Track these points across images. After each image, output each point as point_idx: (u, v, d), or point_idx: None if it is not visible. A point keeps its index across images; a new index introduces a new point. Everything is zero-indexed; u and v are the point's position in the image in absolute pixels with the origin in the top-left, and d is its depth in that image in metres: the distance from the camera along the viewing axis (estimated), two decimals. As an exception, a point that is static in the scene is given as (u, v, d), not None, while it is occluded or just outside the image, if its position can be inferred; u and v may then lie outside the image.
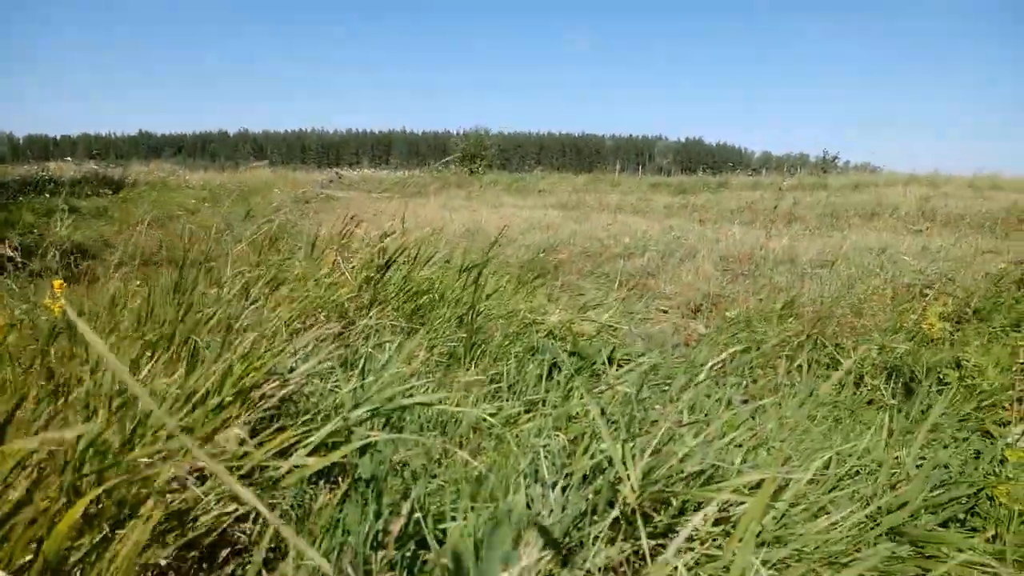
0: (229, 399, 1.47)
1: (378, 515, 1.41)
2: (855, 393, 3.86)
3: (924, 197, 17.81)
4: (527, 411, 2.38)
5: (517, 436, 2.13)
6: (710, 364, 2.19)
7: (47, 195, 13.89)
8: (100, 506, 1.23)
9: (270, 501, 1.45)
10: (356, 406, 1.51)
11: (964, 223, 13.17)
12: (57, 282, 2.59)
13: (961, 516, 2.22)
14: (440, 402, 1.72)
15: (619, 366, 2.94)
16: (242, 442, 1.32)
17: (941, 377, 3.89)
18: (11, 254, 3.49)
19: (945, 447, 3.00)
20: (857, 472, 2.42)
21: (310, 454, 1.45)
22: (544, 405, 2.39)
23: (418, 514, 1.48)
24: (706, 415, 2.07)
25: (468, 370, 2.59)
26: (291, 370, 1.67)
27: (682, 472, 1.73)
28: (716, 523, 1.72)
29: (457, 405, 2.20)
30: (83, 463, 1.20)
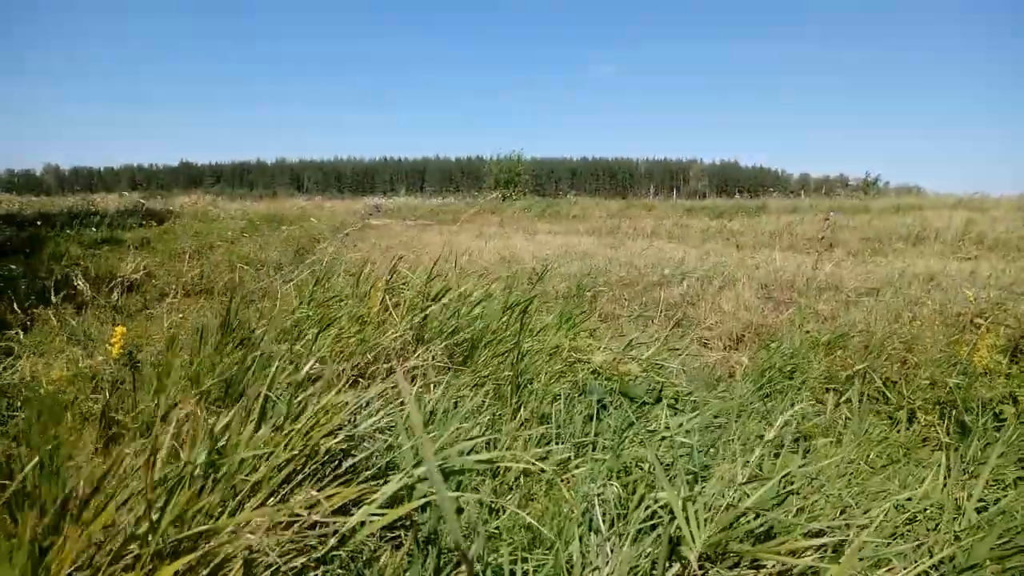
0: (295, 452, 1.49)
1: (438, 570, 1.42)
2: (908, 430, 3.77)
3: (970, 221, 17.43)
4: (576, 454, 2.37)
5: (568, 481, 2.12)
6: (769, 435, 2.15)
7: (92, 227, 14.26)
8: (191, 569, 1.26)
9: (333, 553, 1.47)
10: (417, 463, 1.52)
11: (1013, 247, 12.86)
12: (120, 329, 2.66)
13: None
14: (494, 459, 1.72)
15: (668, 405, 2.91)
16: (316, 503, 1.34)
17: (997, 413, 3.78)
18: (80, 286, 3.59)
19: (1005, 488, 2.92)
20: (916, 517, 2.36)
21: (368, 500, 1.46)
22: (594, 449, 2.37)
23: (478, 567, 1.48)
24: (760, 464, 2.04)
25: (516, 412, 2.59)
26: (354, 424, 1.69)
27: (740, 523, 1.70)
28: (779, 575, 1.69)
29: (508, 448, 2.20)
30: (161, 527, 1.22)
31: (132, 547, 1.16)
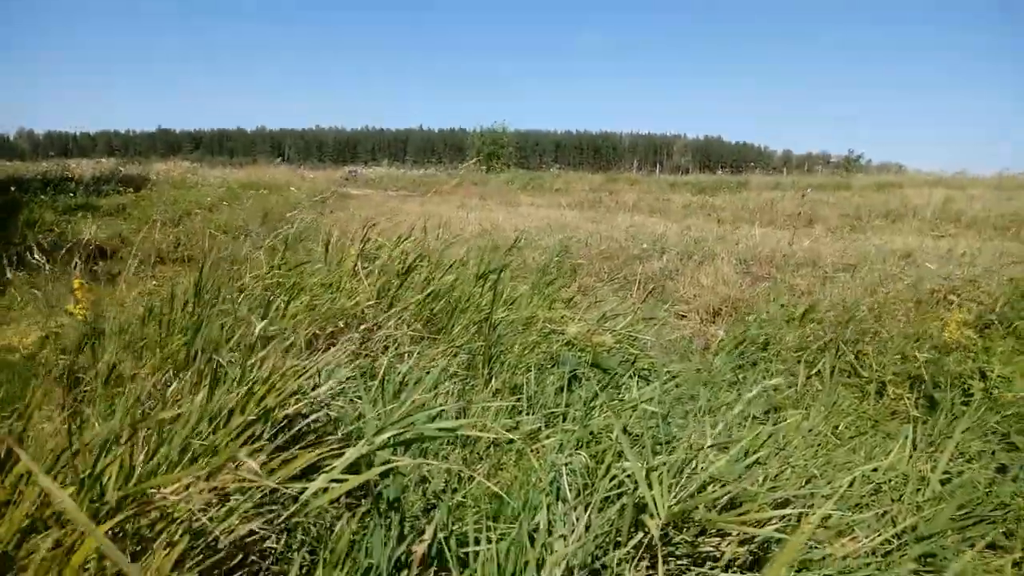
0: (252, 418, 1.46)
1: (401, 538, 1.41)
2: (878, 403, 3.81)
3: (948, 199, 17.57)
4: (547, 424, 2.37)
5: (537, 452, 2.12)
6: (737, 406, 2.16)
7: (67, 193, 14.02)
8: (122, 531, 1.23)
9: (294, 520, 1.45)
10: (380, 430, 1.50)
11: (989, 226, 12.99)
12: (77, 282, 2.62)
13: (988, 536, 2.18)
14: (459, 428, 1.70)
15: (640, 377, 2.91)
16: (264, 464, 1.31)
17: (966, 388, 3.83)
18: (37, 260, 3.53)
19: (970, 461, 2.96)
20: (881, 487, 2.38)
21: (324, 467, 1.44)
22: (564, 420, 2.37)
23: (441, 535, 1.47)
24: (729, 434, 2.04)
25: (488, 382, 2.58)
26: (314, 388, 1.66)
27: (705, 492, 1.70)
28: (741, 543, 1.70)
29: (478, 418, 2.19)
30: (104, 490, 1.19)
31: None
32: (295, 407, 1.56)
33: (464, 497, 1.83)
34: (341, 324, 2.88)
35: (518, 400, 2.44)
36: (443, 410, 1.82)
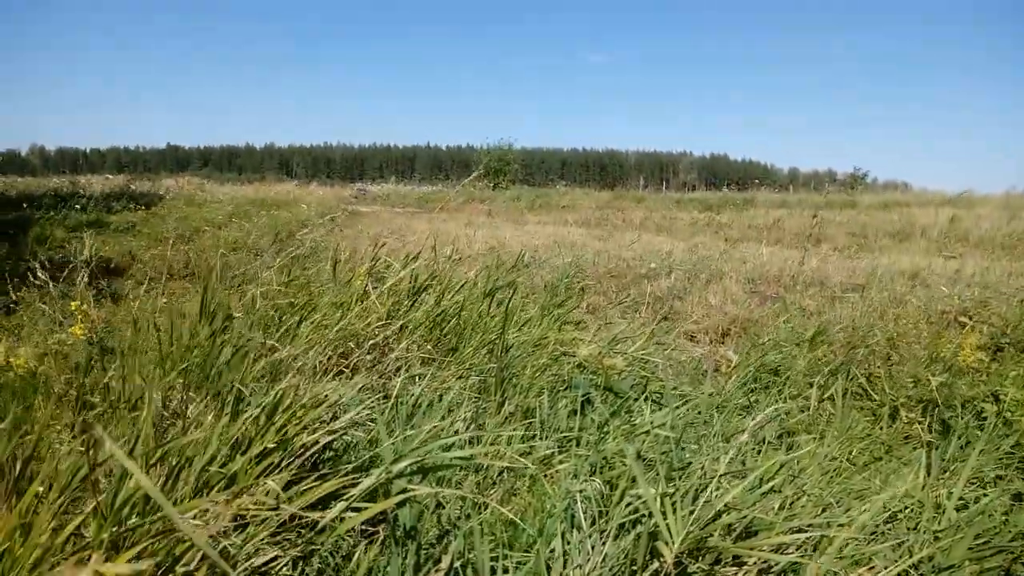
0: (271, 446, 1.46)
1: (417, 567, 1.40)
2: (891, 427, 3.79)
3: (955, 218, 17.53)
4: (560, 449, 2.36)
5: (551, 477, 2.11)
6: (746, 433, 2.15)
7: (78, 209, 14.13)
8: (141, 558, 1.23)
9: (310, 549, 1.45)
10: (398, 459, 1.50)
11: (997, 245, 12.95)
12: (74, 304, 2.65)
13: (1006, 566, 2.16)
14: (475, 456, 1.70)
15: (652, 400, 2.90)
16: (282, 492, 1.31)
17: (979, 411, 3.80)
18: (41, 279, 3.55)
19: (985, 487, 2.93)
20: (897, 515, 2.36)
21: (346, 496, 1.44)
22: (578, 445, 2.36)
23: (457, 563, 1.46)
24: (743, 460, 2.03)
25: (501, 406, 2.58)
26: (334, 417, 1.67)
27: (720, 520, 1.69)
28: (759, 573, 1.69)
29: (491, 444, 2.18)
30: (122, 519, 1.20)
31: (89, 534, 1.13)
32: (314, 436, 1.56)
33: (479, 524, 1.82)
34: (352, 345, 2.88)
35: (531, 424, 2.44)
36: (458, 438, 1.81)
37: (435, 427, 1.66)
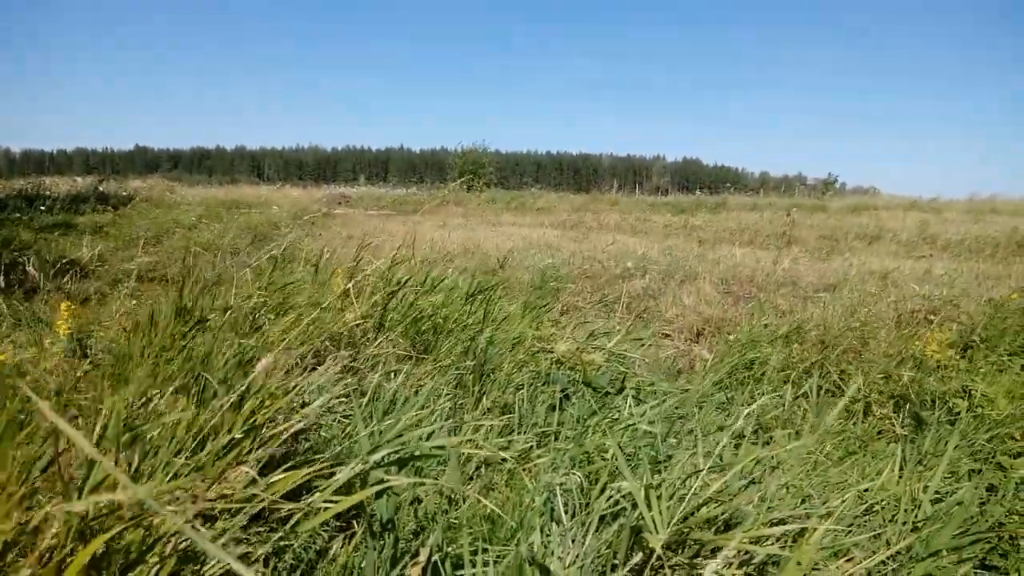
0: (240, 435, 1.42)
1: (395, 561, 1.37)
2: (864, 422, 3.82)
3: (923, 222, 17.87)
4: (539, 443, 2.34)
5: (530, 471, 2.08)
6: (733, 425, 2.14)
7: (44, 211, 13.84)
8: (109, 549, 1.18)
9: (282, 543, 1.41)
10: (374, 449, 1.46)
11: (964, 248, 13.20)
12: (65, 305, 2.58)
13: (982, 556, 2.18)
14: (453, 445, 1.67)
15: (630, 396, 2.89)
16: (252, 481, 1.27)
17: (951, 406, 3.85)
18: (31, 271, 3.45)
19: (959, 480, 2.96)
20: (874, 508, 2.38)
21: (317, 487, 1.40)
22: (557, 439, 2.34)
23: (436, 557, 1.43)
24: (720, 456, 2.03)
25: (479, 401, 2.55)
26: (303, 405, 1.63)
27: (701, 512, 1.68)
28: (740, 564, 1.67)
29: (469, 437, 2.15)
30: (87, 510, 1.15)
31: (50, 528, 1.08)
32: (285, 425, 1.51)
33: (457, 519, 1.79)
34: (328, 344, 2.84)
35: (509, 420, 2.41)
36: (437, 428, 1.78)
37: (414, 416, 1.63)
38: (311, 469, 1.45)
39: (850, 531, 2.05)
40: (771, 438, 3.10)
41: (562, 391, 2.73)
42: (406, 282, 3.32)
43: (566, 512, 1.74)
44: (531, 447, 2.21)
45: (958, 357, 4.65)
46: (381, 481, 1.39)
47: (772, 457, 2.45)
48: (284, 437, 1.55)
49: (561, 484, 1.83)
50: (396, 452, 1.50)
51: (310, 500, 1.33)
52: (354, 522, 1.53)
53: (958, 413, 3.75)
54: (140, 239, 9.59)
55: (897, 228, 16.83)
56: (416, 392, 2.47)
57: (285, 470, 1.49)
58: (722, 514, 1.67)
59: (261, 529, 1.46)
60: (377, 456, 1.44)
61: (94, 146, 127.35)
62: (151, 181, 31.59)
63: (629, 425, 2.25)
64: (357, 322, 2.93)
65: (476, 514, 1.79)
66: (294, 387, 1.74)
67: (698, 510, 1.60)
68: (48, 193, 18.00)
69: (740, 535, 1.56)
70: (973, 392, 3.90)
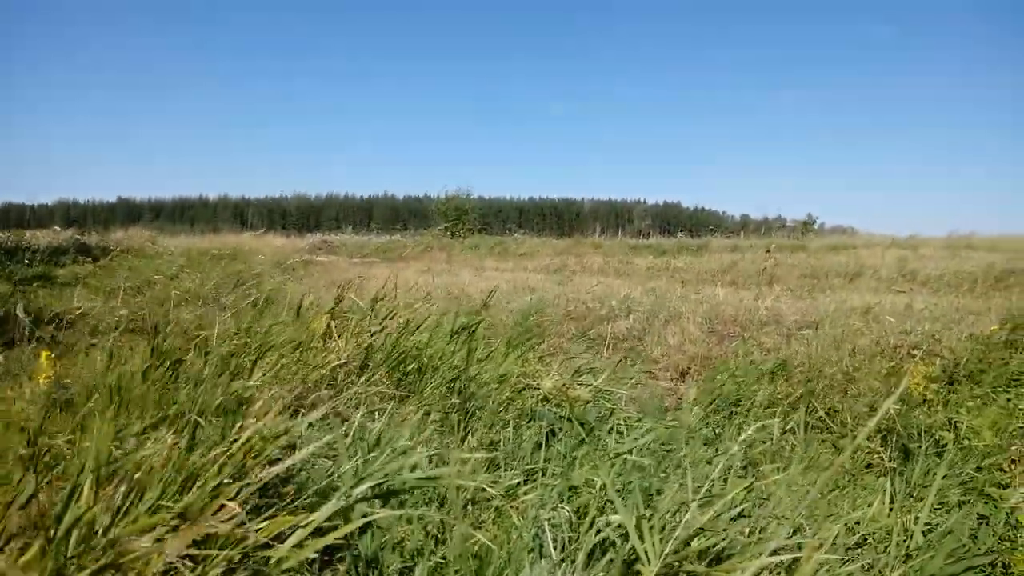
0: (227, 480, 1.39)
1: (380, 600, 1.33)
2: (853, 456, 3.81)
3: (902, 258, 18.12)
4: (526, 480, 2.31)
5: (517, 508, 2.05)
6: (723, 458, 2.13)
7: (24, 264, 13.71)
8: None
9: (265, 584, 1.36)
10: (358, 482, 1.43)
11: (943, 284, 13.37)
12: (45, 354, 2.54)
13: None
14: (438, 477, 1.64)
15: (617, 432, 2.87)
16: (240, 524, 1.24)
17: (937, 439, 3.85)
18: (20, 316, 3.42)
19: (948, 511, 2.95)
20: (866, 539, 2.36)
21: (313, 533, 1.37)
22: (544, 475, 2.31)
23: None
24: (709, 489, 2.01)
25: (464, 439, 2.52)
26: (292, 447, 1.60)
27: (693, 545, 1.66)
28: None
29: (455, 475, 2.12)
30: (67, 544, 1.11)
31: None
32: (274, 469, 1.48)
33: (443, 558, 1.75)
34: (311, 384, 2.81)
35: (496, 456, 2.38)
36: (422, 459, 1.75)
37: (400, 447, 1.60)
38: (298, 513, 1.42)
39: (844, 562, 2.03)
40: (760, 471, 3.08)
41: (549, 427, 2.71)
42: (388, 321, 3.30)
43: (555, 547, 1.71)
44: (518, 484, 2.18)
45: (944, 391, 4.68)
46: (365, 515, 1.37)
47: (763, 489, 2.44)
48: (269, 479, 1.52)
49: (549, 519, 1.80)
50: (380, 484, 1.47)
51: (292, 537, 1.30)
52: (340, 562, 1.50)
53: (945, 445, 3.75)
54: (120, 289, 9.50)
55: (877, 265, 17.05)
56: (399, 431, 2.44)
57: (270, 514, 1.45)
58: (714, 546, 1.64)
59: (245, 573, 1.42)
60: (361, 489, 1.41)
61: (76, 197, 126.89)
62: (132, 232, 31.44)
63: (618, 454, 2.23)
64: (340, 362, 2.90)
65: (464, 552, 1.75)
66: (284, 431, 1.71)
67: (690, 542, 1.58)
68: (28, 246, 17.85)
69: (732, 568, 1.54)
70: (959, 425, 3.91)
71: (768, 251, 11.95)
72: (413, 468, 1.60)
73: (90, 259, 15.64)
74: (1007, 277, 13.58)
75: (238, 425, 1.67)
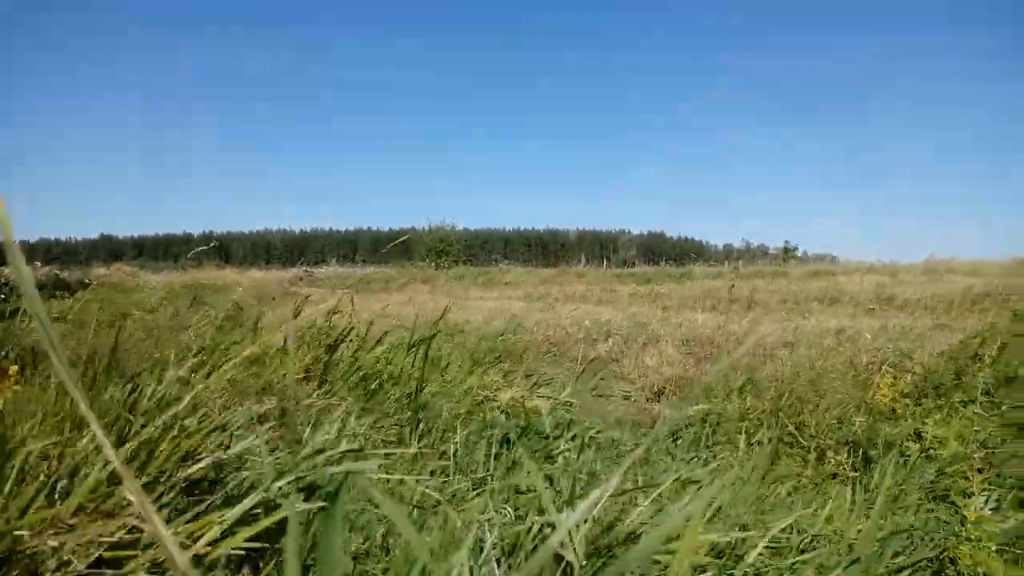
0: (149, 480, 1.36)
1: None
2: (818, 468, 3.81)
3: (880, 284, 18.29)
4: (475, 488, 2.28)
5: (463, 512, 2.02)
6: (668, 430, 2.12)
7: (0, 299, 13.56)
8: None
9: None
10: (279, 476, 1.41)
11: (920, 307, 13.48)
12: (13, 368, 2.50)
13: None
14: (380, 475, 1.62)
15: (575, 440, 2.85)
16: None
17: (903, 450, 3.86)
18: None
19: (915, 514, 2.94)
20: (818, 540, 2.34)
21: (235, 529, 1.33)
22: (493, 480, 2.29)
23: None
24: (657, 481, 2.00)
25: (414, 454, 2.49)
26: (225, 447, 1.57)
27: (628, 537, 1.64)
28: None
29: (401, 482, 2.09)
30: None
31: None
32: (202, 465, 1.46)
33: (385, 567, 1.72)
34: (264, 398, 2.77)
35: (446, 464, 2.36)
36: (350, 451, 1.72)
37: (325, 439, 1.57)
38: (222, 514, 1.38)
39: (794, 566, 2.01)
40: (717, 470, 3.07)
41: (504, 436, 2.68)
42: (348, 334, 3.27)
43: (496, 550, 1.69)
44: (467, 490, 2.16)
45: (913, 405, 4.70)
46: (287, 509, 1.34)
47: (716, 493, 2.42)
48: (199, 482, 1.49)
49: (489, 519, 1.78)
50: (302, 477, 1.44)
51: (207, 534, 1.27)
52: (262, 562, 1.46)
53: (910, 455, 3.76)
54: (93, 321, 9.40)
55: (855, 290, 17.19)
56: (348, 440, 2.41)
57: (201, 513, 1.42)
58: (635, 531, 1.62)
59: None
60: (281, 483, 1.38)
61: (57, 235, 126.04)
62: (113, 268, 31.28)
63: (563, 456, 2.21)
64: (297, 375, 2.87)
65: (407, 558, 1.72)
66: (215, 427, 1.68)
67: (614, 526, 1.56)
68: (3, 281, 17.69)
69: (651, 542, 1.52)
70: (924, 434, 3.92)
71: (736, 268, 12.09)
72: (340, 462, 1.57)
73: (67, 294, 15.49)
74: (983, 300, 13.71)
75: (161, 418, 1.64)
